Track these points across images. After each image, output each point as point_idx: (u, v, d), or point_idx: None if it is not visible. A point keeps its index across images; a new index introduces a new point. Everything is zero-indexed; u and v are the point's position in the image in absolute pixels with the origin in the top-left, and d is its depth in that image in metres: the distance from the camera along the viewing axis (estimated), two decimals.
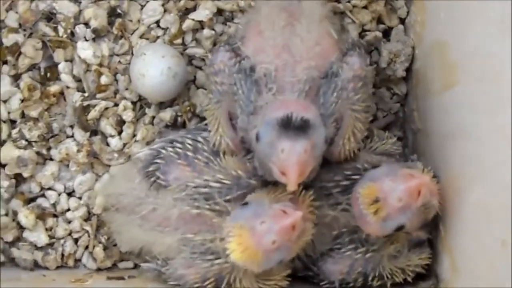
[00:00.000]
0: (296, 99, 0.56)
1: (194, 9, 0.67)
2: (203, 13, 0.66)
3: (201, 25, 0.67)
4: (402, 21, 0.68)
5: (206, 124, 0.61)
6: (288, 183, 0.51)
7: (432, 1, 0.62)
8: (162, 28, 0.68)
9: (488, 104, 0.50)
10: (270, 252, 0.52)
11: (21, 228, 0.67)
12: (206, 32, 0.66)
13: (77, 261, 0.68)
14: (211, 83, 0.59)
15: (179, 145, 0.60)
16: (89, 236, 0.68)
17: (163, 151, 0.60)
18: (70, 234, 0.68)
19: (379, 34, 0.67)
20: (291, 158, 0.51)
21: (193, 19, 0.67)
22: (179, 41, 0.67)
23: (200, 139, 0.59)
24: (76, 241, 0.68)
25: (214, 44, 0.67)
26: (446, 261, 0.57)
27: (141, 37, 0.68)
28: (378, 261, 0.58)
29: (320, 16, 0.59)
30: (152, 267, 0.61)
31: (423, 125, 0.63)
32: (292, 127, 0.51)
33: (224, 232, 0.53)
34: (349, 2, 0.67)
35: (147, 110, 0.67)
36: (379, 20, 0.68)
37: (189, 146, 0.59)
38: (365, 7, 0.68)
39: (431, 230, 0.58)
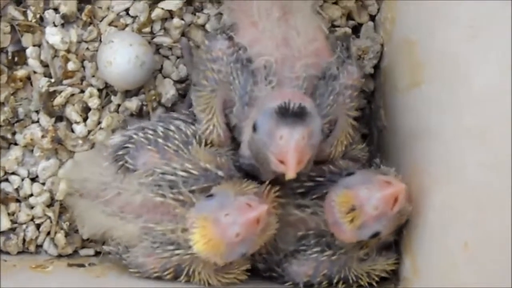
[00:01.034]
0: (291, 89, 0.56)
1: None
2: (173, 2, 0.66)
3: (170, 14, 0.67)
4: (372, 18, 0.68)
5: (190, 110, 0.62)
6: (287, 171, 0.51)
7: (403, 0, 0.62)
8: (131, 16, 0.67)
9: (454, 105, 0.51)
10: (234, 245, 0.52)
11: None
12: (176, 21, 0.66)
13: (39, 247, 0.68)
14: (207, 69, 0.59)
15: (150, 131, 0.59)
16: (51, 222, 0.67)
17: (135, 136, 0.60)
18: (32, 219, 0.68)
19: (349, 30, 0.67)
20: (289, 145, 0.51)
21: (162, 8, 0.66)
22: (147, 29, 0.67)
23: (172, 127, 0.59)
24: (38, 226, 0.68)
25: (183, 34, 0.67)
26: (407, 262, 0.58)
27: (110, 24, 0.67)
28: (344, 264, 0.58)
29: (311, 10, 0.60)
30: (114, 250, 0.60)
31: (389, 122, 0.64)
32: (290, 114, 0.51)
33: (187, 222, 0.53)
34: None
35: (113, 97, 0.67)
36: (349, 16, 0.68)
37: (161, 134, 0.59)
38: (335, 3, 0.67)
39: (396, 231, 0.58)
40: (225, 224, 0.51)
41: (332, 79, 0.57)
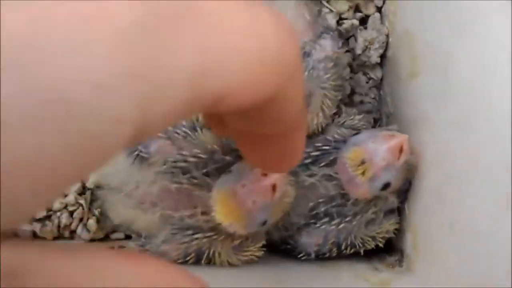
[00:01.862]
0: None
1: None
2: None
3: None
4: (379, 9, 0.71)
5: None
6: None
7: None
8: None
9: (442, 96, 0.54)
10: (253, 213, 0.55)
11: None
12: None
13: (73, 232, 0.72)
14: None
15: None
16: (83, 209, 0.71)
17: None
18: (66, 207, 0.71)
19: (356, 22, 0.70)
20: None
21: None
22: None
23: None
24: (71, 213, 0.71)
25: None
26: (409, 239, 0.61)
27: None
28: (350, 231, 0.61)
29: (296, 1, 0.62)
30: (138, 244, 0.63)
31: (394, 109, 0.66)
32: None
33: (210, 201, 0.56)
34: None
35: None
36: (357, 8, 0.71)
37: None
38: None
39: (401, 202, 0.62)
40: (242, 193, 0.54)
41: (306, 56, 0.60)
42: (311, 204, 0.61)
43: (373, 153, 0.56)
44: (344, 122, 0.63)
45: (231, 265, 0.60)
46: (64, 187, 0.26)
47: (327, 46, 0.61)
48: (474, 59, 0.48)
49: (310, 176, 0.61)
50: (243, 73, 0.28)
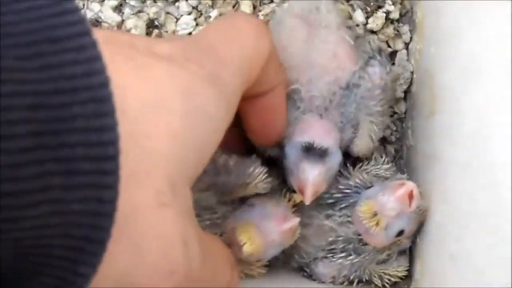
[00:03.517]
0: (320, 122, 0.63)
1: None
2: None
3: None
4: (406, 45, 0.75)
5: None
6: (304, 199, 0.61)
7: (428, 33, 0.69)
8: None
9: (453, 137, 0.58)
10: (270, 248, 0.61)
11: None
12: None
13: None
14: None
15: None
16: None
17: None
18: None
19: None
20: (308, 179, 0.60)
21: None
22: None
23: None
24: None
25: None
26: (418, 265, 0.65)
27: None
28: (361, 266, 0.65)
29: (338, 25, 0.64)
30: None
31: (414, 143, 0.71)
32: (313, 153, 0.60)
33: (226, 227, 0.62)
34: (365, 25, 0.74)
35: None
36: (387, 43, 0.75)
37: None
38: (374, 32, 0.75)
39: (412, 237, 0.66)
40: (265, 230, 0.60)
41: (354, 87, 0.63)
42: (330, 239, 0.66)
43: (383, 205, 0.61)
44: (370, 170, 0.66)
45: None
46: None
47: (375, 74, 0.63)
48: (481, 107, 0.52)
49: (329, 218, 0.65)
50: (255, 57, 0.51)
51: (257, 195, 0.63)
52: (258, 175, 0.62)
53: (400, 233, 0.62)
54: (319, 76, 0.63)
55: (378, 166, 0.67)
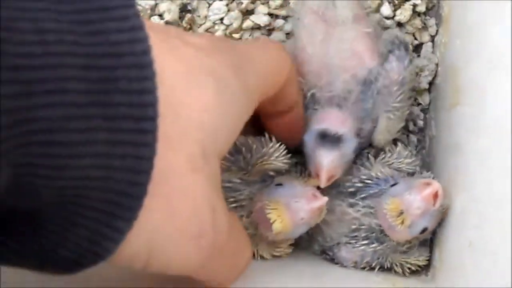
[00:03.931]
0: (336, 112, 0.65)
1: (253, 11, 0.77)
2: (262, 18, 0.76)
3: (258, 27, 0.77)
4: (432, 38, 0.76)
5: None
6: (320, 183, 0.64)
7: (454, 27, 0.70)
8: (225, 25, 0.77)
9: (474, 127, 0.60)
10: (298, 226, 0.62)
11: None
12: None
13: None
14: None
15: None
16: None
17: None
18: None
19: (411, 48, 0.75)
20: (323, 164, 0.63)
21: (253, 21, 0.76)
22: (237, 35, 0.77)
23: None
24: None
25: None
26: (437, 253, 0.67)
27: (206, 30, 0.78)
28: (383, 254, 0.67)
29: (355, 18, 0.65)
30: None
31: (437, 133, 0.72)
32: (328, 140, 0.63)
33: (254, 205, 0.63)
34: (393, 18, 0.75)
35: None
36: (413, 35, 0.76)
37: None
38: (401, 25, 0.76)
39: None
40: (295, 208, 0.61)
41: (371, 83, 0.65)
42: (353, 227, 0.68)
43: (409, 204, 0.62)
44: (392, 163, 0.68)
45: (263, 259, 0.66)
46: None
47: (393, 70, 0.64)
48: (504, 98, 0.54)
49: (353, 207, 0.67)
50: (276, 74, 0.57)
51: (284, 175, 0.65)
52: (275, 151, 0.63)
53: (424, 230, 0.64)
54: (337, 76, 0.65)
55: (400, 160, 0.68)
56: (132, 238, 0.41)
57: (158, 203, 0.41)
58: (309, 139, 0.65)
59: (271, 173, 0.65)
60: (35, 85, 0.35)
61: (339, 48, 0.65)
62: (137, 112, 0.39)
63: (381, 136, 0.67)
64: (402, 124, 0.69)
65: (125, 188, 0.39)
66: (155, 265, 0.44)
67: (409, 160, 0.68)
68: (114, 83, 0.38)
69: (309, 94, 0.65)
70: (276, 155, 0.63)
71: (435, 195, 0.61)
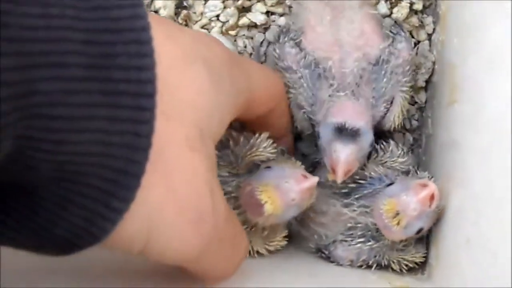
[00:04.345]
0: (353, 103, 0.65)
1: (250, 8, 0.77)
2: (259, 17, 0.76)
3: (255, 25, 0.76)
4: (429, 36, 0.76)
5: None
6: (336, 178, 0.63)
7: (451, 25, 0.70)
8: (221, 22, 0.77)
9: (472, 125, 0.60)
10: (289, 208, 0.61)
11: None
12: (258, 35, 0.77)
13: None
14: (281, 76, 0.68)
15: None
16: None
17: None
18: None
19: None
20: (340, 158, 0.62)
21: (249, 19, 0.76)
22: (233, 32, 0.77)
23: None
24: None
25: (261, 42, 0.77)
26: (433, 250, 0.67)
27: (202, 27, 0.77)
28: (380, 252, 0.67)
29: (360, 4, 0.67)
30: None
31: (433, 131, 0.72)
32: (345, 133, 0.63)
33: (244, 190, 0.62)
34: (390, 16, 0.75)
35: None
36: (410, 33, 0.76)
37: None
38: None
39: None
40: (284, 189, 0.60)
41: (384, 63, 0.66)
42: (349, 225, 0.68)
43: (406, 205, 0.62)
44: (385, 162, 0.68)
45: (259, 254, 0.66)
46: None
47: (404, 50, 0.66)
48: (503, 96, 0.54)
49: (348, 207, 0.67)
50: (259, 98, 0.57)
51: (273, 160, 0.64)
52: (262, 141, 0.63)
53: (419, 231, 0.64)
54: (348, 54, 0.66)
55: (394, 159, 0.69)
56: (130, 219, 0.41)
57: (157, 180, 0.41)
58: (325, 132, 0.64)
59: (259, 163, 0.64)
60: (37, 58, 0.35)
61: (349, 28, 0.66)
62: (135, 88, 0.38)
63: (395, 117, 0.68)
64: (408, 106, 0.70)
65: (123, 166, 0.39)
66: (153, 250, 0.43)
67: (402, 159, 0.69)
68: (113, 58, 0.38)
69: (322, 68, 0.66)
70: (264, 146, 0.63)
71: (432, 197, 0.61)
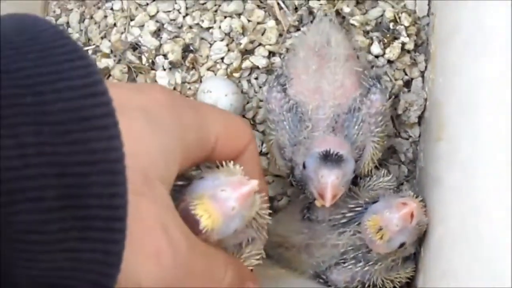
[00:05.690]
0: (333, 137, 0.70)
1: (252, 51, 0.81)
2: (261, 61, 0.80)
3: (258, 67, 0.81)
4: (422, 73, 0.80)
5: None
6: (325, 203, 0.67)
7: (438, 64, 0.74)
8: (226, 64, 0.82)
9: (452, 163, 0.63)
10: (230, 219, 0.54)
11: None
12: (260, 79, 0.82)
13: None
14: (267, 119, 0.73)
15: None
16: None
17: None
18: None
19: (400, 83, 0.80)
20: (327, 183, 0.66)
21: (252, 62, 0.81)
22: (237, 74, 0.81)
23: None
24: None
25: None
26: (421, 276, 0.71)
27: (208, 69, 0.82)
28: (372, 273, 0.71)
29: (346, 57, 0.72)
30: None
31: (425, 164, 0.76)
32: (330, 160, 0.66)
33: (181, 205, 0.54)
34: (383, 55, 0.79)
35: None
36: (404, 71, 0.80)
37: None
38: (392, 62, 0.80)
39: (416, 248, 0.72)
40: (222, 198, 0.53)
41: (356, 111, 0.70)
42: (342, 250, 0.72)
43: (388, 221, 0.66)
44: (374, 185, 0.73)
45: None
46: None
47: (377, 101, 0.70)
48: (474, 137, 0.57)
49: (341, 234, 0.72)
50: (220, 136, 0.58)
51: (207, 169, 0.60)
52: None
53: (401, 245, 0.68)
54: (325, 101, 0.70)
55: (380, 180, 0.74)
56: None
57: None
58: (311, 162, 0.68)
59: (193, 173, 0.60)
60: (16, 195, 0.39)
61: (332, 79, 0.71)
62: (107, 213, 0.42)
63: (366, 164, 0.72)
64: (380, 155, 0.73)
65: (95, 278, 0.42)
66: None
67: (387, 178, 0.74)
68: (87, 188, 0.41)
69: (300, 111, 0.71)
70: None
71: (412, 214, 0.65)
